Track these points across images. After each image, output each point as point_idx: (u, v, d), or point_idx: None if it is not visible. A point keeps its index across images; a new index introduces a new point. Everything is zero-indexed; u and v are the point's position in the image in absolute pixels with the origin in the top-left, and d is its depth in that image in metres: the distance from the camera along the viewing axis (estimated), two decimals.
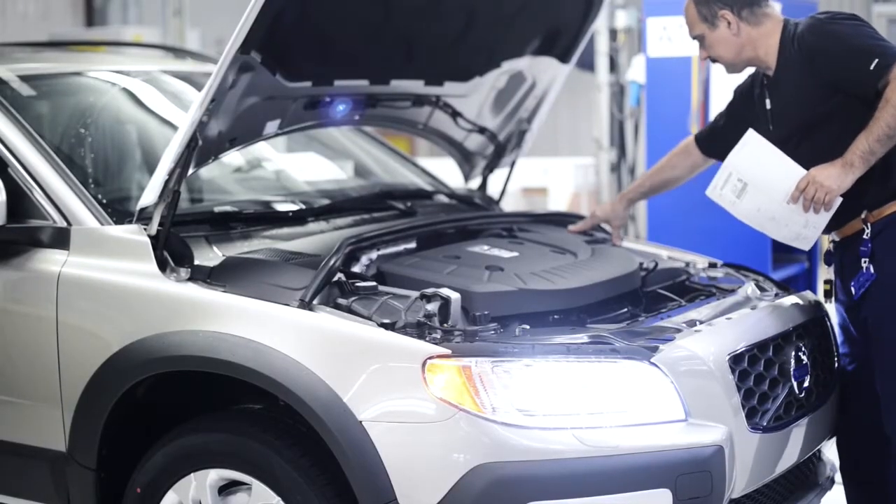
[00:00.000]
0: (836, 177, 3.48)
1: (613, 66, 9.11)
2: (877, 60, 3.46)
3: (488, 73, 4.34)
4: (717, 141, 3.93)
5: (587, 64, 8.69)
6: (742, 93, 3.93)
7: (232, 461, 3.13)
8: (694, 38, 3.77)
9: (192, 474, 3.18)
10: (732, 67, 3.78)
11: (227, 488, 3.19)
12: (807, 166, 3.55)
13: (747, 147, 3.65)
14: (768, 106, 3.74)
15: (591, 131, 9.60)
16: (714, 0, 3.66)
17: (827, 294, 3.84)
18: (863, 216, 3.60)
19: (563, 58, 4.46)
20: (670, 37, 6.01)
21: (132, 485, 3.28)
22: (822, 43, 3.57)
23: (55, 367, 3.35)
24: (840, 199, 3.52)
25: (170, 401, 3.37)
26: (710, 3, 3.67)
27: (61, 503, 3.41)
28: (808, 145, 3.62)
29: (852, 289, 3.61)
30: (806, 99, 3.62)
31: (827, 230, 3.67)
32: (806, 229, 3.60)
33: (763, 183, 3.61)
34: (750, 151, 3.64)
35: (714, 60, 3.78)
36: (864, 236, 3.59)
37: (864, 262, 3.59)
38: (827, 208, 3.53)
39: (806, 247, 3.66)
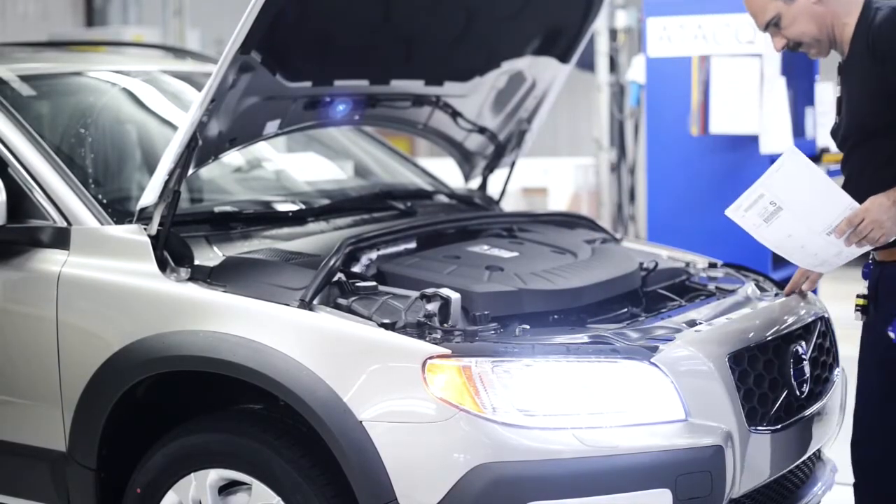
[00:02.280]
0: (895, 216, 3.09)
1: (613, 66, 9.13)
2: None
3: (488, 73, 4.33)
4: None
5: (587, 64, 8.70)
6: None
7: (232, 461, 3.13)
8: (766, 25, 3.27)
9: (192, 474, 3.18)
10: (818, 46, 3.26)
11: (227, 488, 3.19)
12: (855, 175, 3.23)
13: (787, 168, 3.20)
14: (838, 93, 3.31)
15: (591, 131, 9.61)
16: None
17: (863, 310, 3.36)
18: None
19: (563, 58, 4.45)
20: (670, 37, 6.00)
21: (132, 485, 3.28)
22: None
23: (55, 367, 3.35)
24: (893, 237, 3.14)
25: (170, 401, 3.37)
26: None
27: (61, 503, 3.41)
28: (861, 153, 3.23)
29: (890, 334, 3.19)
30: (865, 101, 3.17)
31: None
32: (837, 258, 3.27)
33: (802, 209, 3.20)
34: (790, 173, 3.20)
35: (794, 47, 3.28)
36: None
37: None
38: (875, 246, 3.18)
39: (827, 271, 3.38)
